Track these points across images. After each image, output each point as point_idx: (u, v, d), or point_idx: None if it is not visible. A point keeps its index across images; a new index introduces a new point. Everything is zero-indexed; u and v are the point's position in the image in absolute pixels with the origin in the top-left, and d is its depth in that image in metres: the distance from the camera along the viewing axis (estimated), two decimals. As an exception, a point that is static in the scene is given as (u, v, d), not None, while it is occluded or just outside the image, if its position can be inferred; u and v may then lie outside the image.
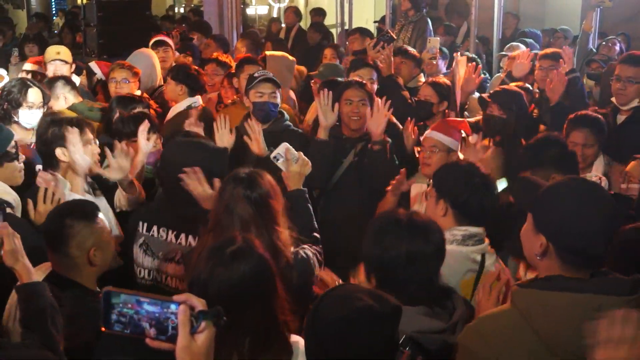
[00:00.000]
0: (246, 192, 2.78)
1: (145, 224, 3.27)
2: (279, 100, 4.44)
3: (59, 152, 3.50)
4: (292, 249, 2.88)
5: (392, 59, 5.39)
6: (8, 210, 3.13)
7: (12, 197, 3.28)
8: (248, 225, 2.75)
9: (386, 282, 2.38)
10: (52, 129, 3.51)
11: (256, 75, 4.41)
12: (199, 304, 1.52)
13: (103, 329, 1.53)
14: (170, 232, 3.23)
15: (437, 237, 2.44)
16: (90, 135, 3.60)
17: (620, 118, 4.63)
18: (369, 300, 1.95)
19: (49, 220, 2.77)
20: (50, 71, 5.78)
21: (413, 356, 2.21)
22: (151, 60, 5.94)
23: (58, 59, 5.85)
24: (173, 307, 1.50)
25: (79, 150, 3.48)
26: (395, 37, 6.29)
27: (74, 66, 6.02)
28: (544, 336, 1.96)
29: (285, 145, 3.36)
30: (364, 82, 4.47)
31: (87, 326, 2.44)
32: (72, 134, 3.47)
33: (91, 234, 2.70)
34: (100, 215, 2.80)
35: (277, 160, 3.36)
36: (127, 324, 1.51)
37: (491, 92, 4.83)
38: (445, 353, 2.26)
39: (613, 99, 4.69)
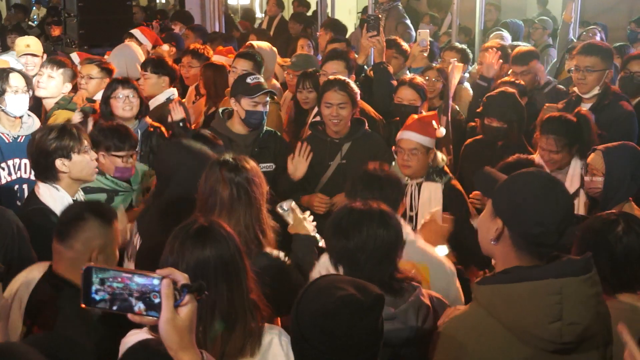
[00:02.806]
0: (230, 175, 2.83)
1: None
2: (268, 107, 4.39)
3: (58, 163, 3.40)
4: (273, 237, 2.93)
5: (384, 45, 5.23)
6: None
7: None
8: (230, 208, 2.80)
9: (352, 270, 2.45)
10: (53, 141, 3.39)
11: (250, 82, 4.24)
12: (182, 277, 1.53)
13: (83, 305, 1.50)
14: (135, 228, 3.33)
15: (394, 221, 2.56)
16: (86, 143, 3.50)
17: (585, 106, 4.65)
18: (351, 289, 1.96)
19: (67, 209, 2.73)
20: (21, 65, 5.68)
21: None
22: (126, 57, 5.87)
23: (28, 52, 5.75)
24: (156, 281, 1.49)
25: None
26: (381, 17, 6.25)
27: (44, 57, 5.86)
28: (512, 327, 1.99)
29: (290, 202, 3.27)
30: (347, 81, 4.32)
31: (81, 328, 2.42)
32: None
33: (100, 236, 2.65)
34: (117, 224, 2.75)
35: (286, 211, 3.25)
36: (112, 300, 1.49)
37: (487, 99, 4.58)
38: (391, 339, 2.29)
39: (575, 89, 4.76)
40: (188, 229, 2.23)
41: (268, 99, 4.31)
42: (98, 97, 4.96)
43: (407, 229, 2.96)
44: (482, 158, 4.25)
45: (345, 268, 2.50)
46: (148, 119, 4.62)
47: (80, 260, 2.58)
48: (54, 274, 2.66)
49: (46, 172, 3.40)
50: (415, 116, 4.08)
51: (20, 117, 4.33)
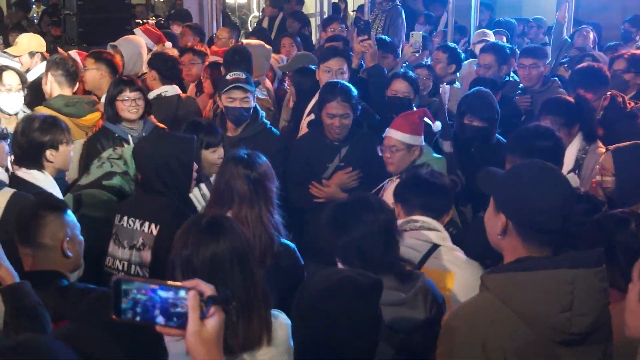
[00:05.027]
0: (246, 172, 2.98)
1: (119, 215, 3.44)
2: (252, 103, 4.35)
3: (48, 153, 3.58)
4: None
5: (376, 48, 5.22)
6: (7, 188, 3.26)
7: (3, 175, 3.39)
8: (246, 202, 2.94)
9: (362, 261, 2.45)
10: (46, 133, 3.56)
11: (228, 78, 4.34)
12: (208, 289, 1.52)
13: (114, 317, 1.51)
14: (137, 220, 3.37)
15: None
16: (67, 137, 3.66)
17: None
18: (351, 273, 2.01)
19: (21, 214, 2.76)
20: (24, 63, 5.73)
21: None
22: (137, 48, 5.93)
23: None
24: (182, 292, 1.49)
25: None
26: (370, 22, 6.30)
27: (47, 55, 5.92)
28: (524, 315, 2.03)
29: None
30: (349, 88, 4.30)
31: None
32: None
33: (63, 225, 2.72)
34: (69, 211, 2.82)
35: None
36: (138, 312, 1.50)
37: (465, 99, 4.65)
38: (401, 326, 2.34)
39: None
40: (199, 222, 2.27)
41: (250, 96, 4.31)
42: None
43: (442, 234, 2.99)
44: (459, 160, 4.37)
45: (355, 262, 2.46)
46: (153, 119, 4.62)
47: (56, 254, 2.67)
48: (35, 272, 2.65)
49: (34, 161, 3.55)
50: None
51: (16, 115, 4.38)
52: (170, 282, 1.52)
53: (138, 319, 1.50)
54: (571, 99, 4.08)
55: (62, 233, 2.70)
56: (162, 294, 1.49)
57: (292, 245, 3.07)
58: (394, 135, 3.91)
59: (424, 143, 4.01)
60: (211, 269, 2.20)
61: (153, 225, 3.32)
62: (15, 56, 5.75)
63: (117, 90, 4.45)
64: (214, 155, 3.81)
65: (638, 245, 2.51)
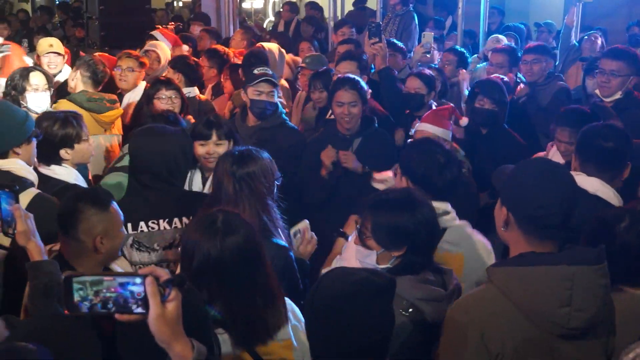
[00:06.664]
0: (233, 169, 2.95)
1: (130, 224, 3.28)
2: (276, 98, 4.50)
3: (62, 152, 3.62)
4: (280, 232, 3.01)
5: (387, 51, 5.35)
6: (32, 189, 3.24)
7: (33, 176, 3.35)
8: (235, 202, 2.90)
9: (413, 248, 2.54)
10: (58, 132, 3.60)
11: (256, 72, 4.47)
12: (164, 273, 1.59)
13: (66, 312, 1.57)
14: (161, 221, 3.35)
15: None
16: (84, 135, 3.70)
17: None
18: (365, 273, 2.05)
19: (64, 203, 2.79)
20: (44, 63, 5.88)
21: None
22: (167, 52, 6.18)
23: (52, 51, 5.95)
24: (138, 280, 1.54)
25: None
26: (381, 24, 6.49)
27: (66, 57, 6.13)
28: (524, 308, 2.08)
29: (305, 223, 3.21)
30: (357, 79, 4.40)
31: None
32: None
33: (100, 222, 2.70)
34: (114, 205, 2.79)
35: (295, 236, 3.16)
36: (96, 304, 1.55)
37: (478, 82, 5.01)
38: (439, 319, 2.40)
39: (597, 91, 4.75)
40: (209, 221, 2.35)
41: (275, 91, 4.47)
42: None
43: (451, 214, 3.00)
44: (470, 146, 4.55)
45: (407, 244, 2.51)
46: (190, 118, 4.76)
47: (86, 248, 2.69)
48: (62, 258, 2.73)
49: (50, 157, 3.61)
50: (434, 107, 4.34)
51: None
52: (126, 273, 1.63)
53: (99, 310, 1.55)
54: (587, 109, 4.11)
55: (98, 229, 2.69)
56: (122, 282, 1.54)
57: (283, 244, 2.98)
58: (427, 128, 4.06)
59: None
60: (237, 264, 2.31)
61: (185, 219, 3.35)
62: (61, 54, 5.97)
63: (154, 89, 4.68)
64: (200, 149, 3.80)
65: (623, 242, 2.54)
